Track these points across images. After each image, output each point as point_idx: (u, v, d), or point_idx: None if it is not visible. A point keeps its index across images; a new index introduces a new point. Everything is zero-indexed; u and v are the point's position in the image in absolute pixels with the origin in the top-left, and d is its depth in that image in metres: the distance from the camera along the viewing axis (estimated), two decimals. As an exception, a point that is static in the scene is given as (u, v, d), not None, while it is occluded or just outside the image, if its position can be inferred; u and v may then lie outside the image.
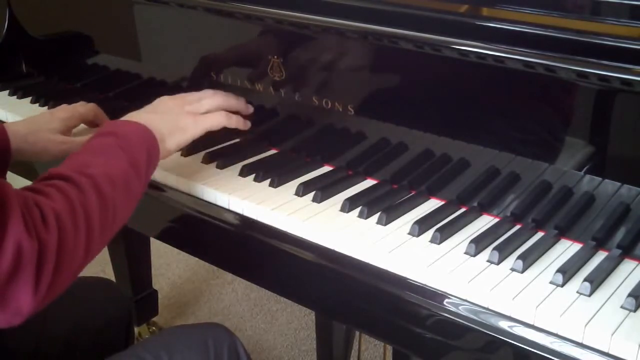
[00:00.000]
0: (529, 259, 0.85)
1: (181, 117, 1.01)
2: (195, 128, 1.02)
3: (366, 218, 0.96)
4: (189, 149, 1.15)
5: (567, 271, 0.82)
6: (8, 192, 0.72)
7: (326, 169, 1.12)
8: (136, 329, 1.86)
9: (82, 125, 1.23)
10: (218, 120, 1.05)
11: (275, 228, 0.98)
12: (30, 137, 1.11)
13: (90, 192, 0.81)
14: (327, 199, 1.02)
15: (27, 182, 1.28)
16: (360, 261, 0.90)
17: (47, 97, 1.43)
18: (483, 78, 0.94)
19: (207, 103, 1.06)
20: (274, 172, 1.07)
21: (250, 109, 1.13)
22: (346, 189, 1.05)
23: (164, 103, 1.04)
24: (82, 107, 1.19)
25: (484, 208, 0.98)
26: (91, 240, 0.80)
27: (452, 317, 0.82)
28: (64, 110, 1.17)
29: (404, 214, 0.97)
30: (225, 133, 1.11)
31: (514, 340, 0.78)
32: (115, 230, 0.87)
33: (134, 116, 0.99)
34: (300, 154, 1.15)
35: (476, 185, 0.99)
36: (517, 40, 0.88)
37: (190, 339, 1.03)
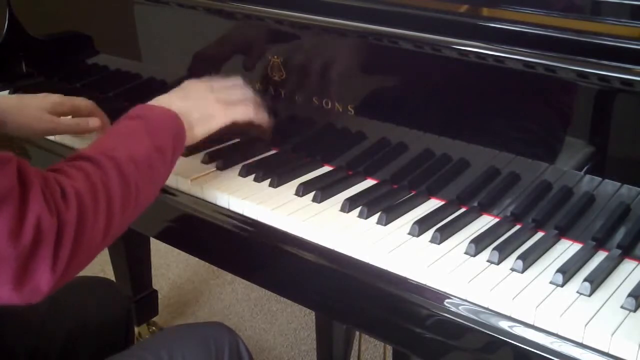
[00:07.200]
0: (529, 259, 0.85)
1: (211, 105, 1.01)
2: (225, 117, 1.01)
3: (366, 218, 0.96)
4: (189, 149, 1.15)
5: (567, 271, 0.82)
6: (27, 169, 0.73)
7: (326, 169, 1.12)
8: (136, 329, 1.86)
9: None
10: (247, 112, 1.04)
11: (275, 228, 0.98)
12: (16, 110, 1.11)
13: (112, 173, 0.82)
14: (327, 199, 1.01)
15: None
16: (360, 261, 0.90)
17: (47, 97, 1.42)
18: (483, 78, 0.94)
19: (238, 93, 1.05)
20: (274, 172, 1.07)
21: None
22: (346, 189, 1.05)
23: (195, 88, 1.03)
24: (78, 100, 1.19)
25: (484, 208, 0.98)
26: (111, 221, 0.81)
27: (452, 317, 0.82)
28: (59, 96, 1.17)
29: (404, 214, 0.97)
30: (226, 133, 1.10)
31: (514, 340, 0.78)
32: (137, 213, 0.88)
33: (164, 101, 0.98)
34: (300, 154, 1.15)
35: (476, 185, 0.99)
36: (517, 40, 0.88)
37: (191, 338, 1.03)
